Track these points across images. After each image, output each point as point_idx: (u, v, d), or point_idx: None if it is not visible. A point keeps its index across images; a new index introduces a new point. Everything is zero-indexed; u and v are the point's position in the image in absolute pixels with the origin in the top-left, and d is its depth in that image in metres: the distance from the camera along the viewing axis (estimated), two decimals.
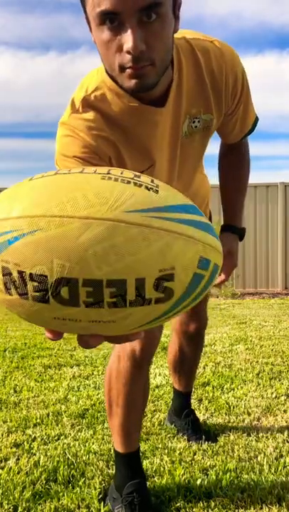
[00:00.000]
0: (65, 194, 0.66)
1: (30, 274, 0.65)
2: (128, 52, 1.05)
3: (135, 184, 0.69)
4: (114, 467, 1.76)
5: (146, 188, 0.69)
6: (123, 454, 1.63)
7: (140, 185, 0.69)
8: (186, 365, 2.14)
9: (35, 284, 0.65)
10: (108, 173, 0.70)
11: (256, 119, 1.52)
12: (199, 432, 2.14)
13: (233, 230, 1.67)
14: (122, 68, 1.09)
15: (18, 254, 0.65)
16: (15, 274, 0.66)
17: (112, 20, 1.04)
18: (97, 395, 2.73)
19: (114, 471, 1.72)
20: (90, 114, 1.23)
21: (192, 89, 1.30)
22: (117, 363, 1.57)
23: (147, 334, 1.46)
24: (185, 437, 2.13)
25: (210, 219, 1.83)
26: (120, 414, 1.59)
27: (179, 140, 1.34)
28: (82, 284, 0.64)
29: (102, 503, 1.63)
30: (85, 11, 1.12)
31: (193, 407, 2.46)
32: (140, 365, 1.54)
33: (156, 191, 0.70)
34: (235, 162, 1.65)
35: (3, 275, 0.67)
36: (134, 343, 1.49)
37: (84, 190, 0.66)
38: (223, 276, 1.60)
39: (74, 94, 1.27)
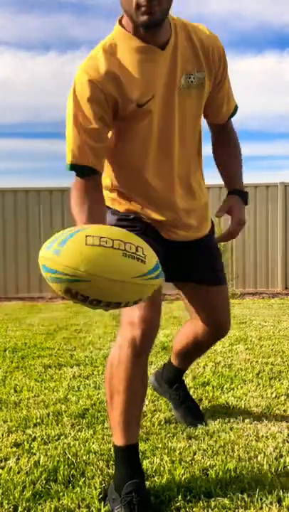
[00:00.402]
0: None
1: None
2: (142, 8, 1.48)
3: (137, 259, 1.27)
4: (114, 467, 1.76)
5: (141, 260, 1.28)
6: (123, 447, 1.65)
7: (138, 259, 1.27)
8: (192, 355, 2.25)
9: None
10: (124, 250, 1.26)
11: (236, 106, 1.87)
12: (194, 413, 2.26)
13: (235, 192, 1.97)
14: (139, 7, 1.49)
15: None
16: None
17: None
18: (97, 394, 2.73)
19: (114, 471, 1.72)
20: (102, 56, 1.58)
21: (186, 50, 1.64)
22: (118, 352, 1.64)
23: (147, 322, 1.62)
24: (184, 436, 2.14)
25: (213, 227, 2.02)
26: (121, 403, 1.63)
27: (176, 88, 1.64)
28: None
29: (102, 503, 1.64)
30: None
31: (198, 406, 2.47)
32: (140, 353, 1.63)
33: (144, 262, 1.29)
34: (226, 140, 1.94)
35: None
36: (134, 331, 1.61)
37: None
38: (232, 228, 1.90)
39: (87, 60, 1.61)
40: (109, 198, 1.79)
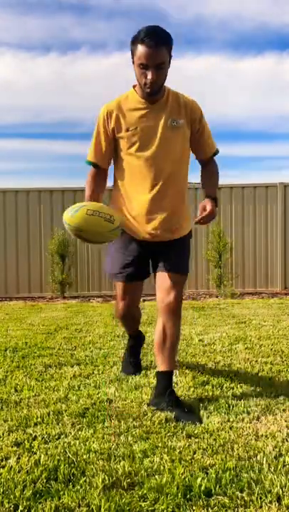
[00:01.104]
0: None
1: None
2: (148, 78, 2.50)
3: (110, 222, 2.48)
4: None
5: (112, 222, 2.48)
6: (129, 334, 3.27)
7: (111, 222, 2.48)
8: (168, 341, 2.59)
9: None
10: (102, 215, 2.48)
11: (217, 150, 2.82)
12: (183, 408, 2.44)
13: (209, 196, 2.65)
14: (145, 84, 2.53)
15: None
16: None
17: (144, 66, 2.49)
18: (98, 394, 2.74)
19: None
20: (114, 101, 2.70)
21: (173, 105, 2.64)
22: (116, 313, 3.11)
23: (130, 305, 2.93)
24: (184, 435, 2.15)
25: (183, 237, 2.75)
26: (122, 325, 3.33)
27: (163, 125, 2.60)
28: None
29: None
30: (133, 57, 2.53)
31: (193, 406, 2.48)
32: (124, 317, 3.06)
33: (113, 223, 2.49)
34: (209, 171, 2.82)
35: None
36: (118, 313, 3.02)
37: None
38: (204, 214, 2.54)
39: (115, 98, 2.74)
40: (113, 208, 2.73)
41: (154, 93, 2.56)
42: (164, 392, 2.50)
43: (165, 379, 2.55)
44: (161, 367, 2.57)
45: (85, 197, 2.75)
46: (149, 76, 2.47)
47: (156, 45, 2.43)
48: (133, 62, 2.53)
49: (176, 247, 2.69)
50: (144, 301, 7.44)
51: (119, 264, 2.77)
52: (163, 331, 2.59)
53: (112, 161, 2.78)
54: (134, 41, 2.49)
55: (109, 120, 2.66)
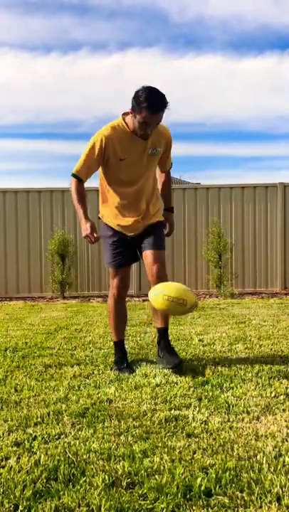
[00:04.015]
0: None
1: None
2: (148, 133, 3.11)
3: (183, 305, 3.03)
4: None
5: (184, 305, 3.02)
6: (117, 341, 3.50)
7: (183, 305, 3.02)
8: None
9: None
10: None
11: (172, 164, 3.58)
12: (168, 353, 3.32)
13: (169, 209, 3.63)
14: (142, 134, 3.12)
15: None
16: None
17: (146, 124, 3.06)
18: (98, 394, 2.74)
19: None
20: (109, 129, 3.18)
21: (155, 136, 3.21)
22: (110, 301, 3.49)
23: (118, 287, 3.43)
24: (184, 435, 2.15)
25: (160, 221, 3.48)
26: (112, 319, 3.50)
27: (146, 155, 3.25)
28: None
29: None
30: (135, 112, 3.04)
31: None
32: (118, 300, 3.45)
33: (186, 305, 3.02)
34: (166, 178, 3.62)
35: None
36: (113, 290, 3.45)
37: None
38: (169, 230, 3.61)
39: (105, 126, 3.22)
40: (103, 210, 3.45)
41: (146, 138, 3.16)
42: (160, 340, 3.41)
43: (161, 332, 3.43)
44: (159, 324, 3.43)
45: (80, 216, 3.22)
46: (149, 132, 3.09)
47: (157, 111, 3.02)
48: (133, 114, 3.07)
49: (154, 231, 3.39)
50: (143, 301, 7.44)
51: (112, 254, 3.42)
52: None
53: (103, 177, 3.33)
54: (138, 103, 2.99)
55: (105, 148, 3.16)
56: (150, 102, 2.97)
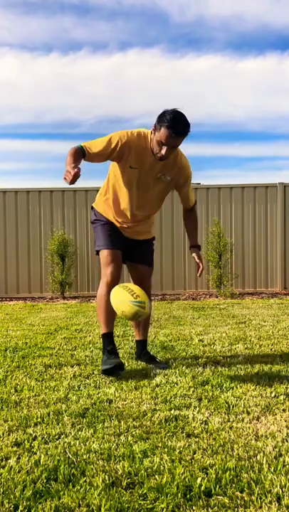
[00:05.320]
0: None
1: None
2: (162, 153, 3.07)
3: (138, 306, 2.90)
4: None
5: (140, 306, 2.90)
6: (105, 333, 3.30)
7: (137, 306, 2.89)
8: (142, 320, 3.38)
9: None
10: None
11: (196, 201, 3.58)
12: (156, 361, 3.42)
13: (197, 247, 3.58)
14: (158, 154, 3.09)
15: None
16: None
17: (163, 145, 3.03)
18: (98, 394, 2.74)
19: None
20: (134, 135, 3.16)
21: (168, 165, 3.21)
22: (100, 289, 3.30)
23: (112, 275, 3.25)
24: (184, 435, 2.15)
25: (152, 238, 3.64)
26: (103, 309, 3.28)
27: (155, 176, 3.23)
28: None
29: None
30: (156, 130, 3.05)
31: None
32: (110, 288, 3.13)
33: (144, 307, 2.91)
34: (192, 217, 3.60)
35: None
36: (105, 279, 3.26)
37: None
38: (200, 266, 3.49)
39: (133, 130, 3.19)
40: (100, 201, 3.43)
41: (163, 161, 3.14)
42: (141, 353, 3.54)
43: (141, 345, 3.57)
44: (138, 337, 3.58)
45: (69, 161, 2.92)
46: (163, 152, 3.04)
47: (178, 134, 2.99)
48: (154, 131, 3.07)
49: (144, 246, 3.50)
50: None
51: (104, 236, 3.33)
52: None
53: (111, 175, 3.33)
54: (161, 121, 2.99)
55: (122, 147, 3.11)
56: (174, 123, 2.95)
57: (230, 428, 2.23)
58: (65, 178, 2.79)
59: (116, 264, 3.28)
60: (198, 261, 3.47)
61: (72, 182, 2.76)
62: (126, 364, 3.41)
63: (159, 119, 3.01)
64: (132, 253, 3.44)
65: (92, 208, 3.51)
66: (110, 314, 3.28)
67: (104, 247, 3.31)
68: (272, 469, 1.84)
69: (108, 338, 3.29)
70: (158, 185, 3.26)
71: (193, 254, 3.51)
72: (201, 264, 3.46)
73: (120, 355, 3.67)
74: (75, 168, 2.78)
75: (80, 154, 3.03)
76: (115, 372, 3.09)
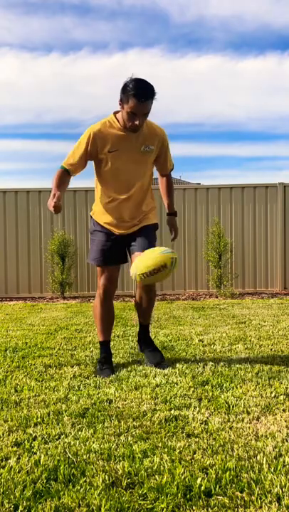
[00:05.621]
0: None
1: None
2: (136, 123, 3.08)
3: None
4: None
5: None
6: (102, 341, 3.45)
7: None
8: (142, 306, 3.51)
9: None
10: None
11: (173, 166, 3.59)
12: (154, 356, 3.43)
13: (173, 213, 3.66)
14: (131, 126, 3.11)
15: None
16: None
17: (134, 114, 3.05)
18: (98, 394, 2.74)
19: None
20: (98, 125, 3.22)
21: (146, 134, 3.24)
22: (95, 300, 3.45)
23: (106, 286, 3.36)
24: (184, 435, 2.15)
25: (155, 224, 3.49)
26: (98, 319, 3.45)
27: (139, 151, 3.25)
28: None
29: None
30: (123, 103, 3.07)
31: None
32: (104, 300, 3.39)
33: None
34: (167, 183, 3.63)
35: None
36: (100, 290, 3.39)
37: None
38: (175, 234, 3.64)
39: (94, 124, 3.24)
40: (95, 209, 3.44)
41: (136, 131, 3.16)
42: (143, 337, 3.59)
43: (144, 329, 3.60)
44: (141, 321, 3.59)
45: (53, 188, 3.11)
46: (137, 122, 3.06)
47: (145, 99, 3.01)
48: (121, 106, 3.09)
49: (144, 233, 3.36)
50: None
51: (97, 252, 3.36)
52: (140, 299, 3.47)
53: (95, 175, 3.37)
54: (125, 92, 3.01)
55: (92, 142, 3.18)
56: (138, 90, 2.98)
57: (230, 428, 2.23)
58: (49, 204, 3.01)
59: (108, 276, 3.35)
60: (172, 228, 3.63)
61: (56, 212, 3.01)
62: (126, 364, 3.41)
63: (123, 91, 3.03)
64: (133, 244, 3.36)
65: (90, 216, 3.52)
66: (106, 324, 3.44)
67: (96, 262, 3.37)
68: (272, 469, 1.84)
69: (103, 346, 3.43)
70: (144, 157, 3.27)
71: (169, 223, 3.63)
72: (175, 232, 3.62)
73: (120, 355, 3.67)
74: (55, 200, 2.97)
75: (64, 176, 3.19)
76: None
